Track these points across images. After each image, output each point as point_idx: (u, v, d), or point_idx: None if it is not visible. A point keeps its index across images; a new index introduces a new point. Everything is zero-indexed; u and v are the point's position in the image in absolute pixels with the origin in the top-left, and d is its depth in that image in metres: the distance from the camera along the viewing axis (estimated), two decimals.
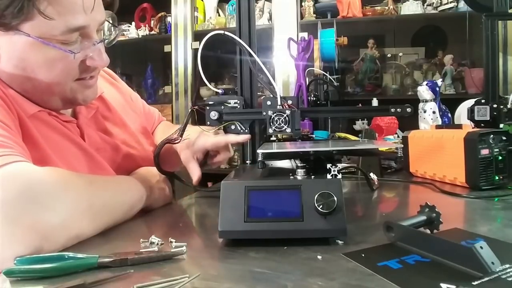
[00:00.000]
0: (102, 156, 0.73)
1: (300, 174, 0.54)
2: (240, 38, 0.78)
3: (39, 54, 0.60)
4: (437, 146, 0.92)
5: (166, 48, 2.46)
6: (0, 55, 0.60)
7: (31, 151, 0.58)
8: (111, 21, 0.70)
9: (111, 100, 0.83)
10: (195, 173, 0.76)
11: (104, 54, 0.67)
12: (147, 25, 2.60)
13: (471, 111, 0.99)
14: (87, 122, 0.75)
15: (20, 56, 0.60)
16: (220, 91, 0.77)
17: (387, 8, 2.23)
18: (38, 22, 0.57)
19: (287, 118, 0.70)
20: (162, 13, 2.54)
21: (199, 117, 0.76)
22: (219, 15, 2.54)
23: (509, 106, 0.96)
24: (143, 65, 2.69)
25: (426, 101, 1.35)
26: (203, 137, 0.77)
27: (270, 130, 0.71)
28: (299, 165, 0.55)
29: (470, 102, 1.05)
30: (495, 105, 0.96)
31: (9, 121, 0.57)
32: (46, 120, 0.66)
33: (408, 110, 0.72)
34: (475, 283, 0.36)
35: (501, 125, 0.94)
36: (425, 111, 1.35)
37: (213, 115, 0.74)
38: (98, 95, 0.80)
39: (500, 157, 0.81)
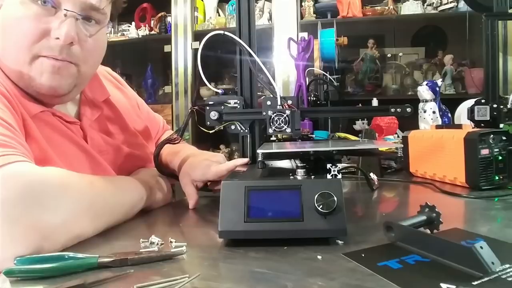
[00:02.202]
0: (105, 158, 0.73)
1: (300, 174, 0.54)
2: (240, 38, 0.78)
3: (15, 11, 0.62)
4: (437, 146, 0.92)
5: (166, 48, 2.46)
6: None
7: (33, 152, 0.59)
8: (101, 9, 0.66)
9: (117, 104, 0.84)
10: (193, 197, 0.75)
11: (67, 30, 0.62)
12: (147, 25, 2.60)
13: (471, 111, 0.99)
14: (91, 124, 0.75)
15: (5, 13, 0.63)
16: (220, 91, 0.77)
17: (387, 8, 2.23)
18: None
19: (287, 118, 0.70)
20: (162, 13, 2.54)
21: (199, 117, 0.76)
22: (219, 15, 2.54)
23: (509, 106, 0.96)
24: (143, 65, 2.69)
25: (426, 101, 1.35)
26: (204, 167, 0.75)
27: (270, 130, 0.71)
28: (299, 165, 0.55)
29: (470, 102, 1.05)
30: (495, 105, 0.96)
31: (13, 121, 0.57)
32: (49, 121, 0.66)
33: (408, 110, 0.72)
34: (475, 283, 0.36)
35: (501, 125, 0.94)
36: (425, 111, 1.35)
37: (213, 115, 0.74)
38: (105, 99, 0.80)
39: (500, 157, 0.81)
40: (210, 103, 0.75)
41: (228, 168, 0.73)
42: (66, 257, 0.43)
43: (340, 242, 0.49)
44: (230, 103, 0.75)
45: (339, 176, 0.52)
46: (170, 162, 0.83)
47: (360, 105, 1.71)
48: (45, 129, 0.64)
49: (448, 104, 1.43)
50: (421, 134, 1.01)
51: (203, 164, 0.76)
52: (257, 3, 2.37)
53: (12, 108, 0.59)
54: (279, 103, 0.72)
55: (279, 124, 0.70)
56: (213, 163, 0.76)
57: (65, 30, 0.62)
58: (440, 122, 1.33)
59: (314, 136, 1.11)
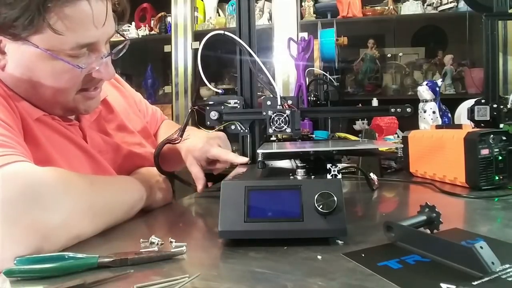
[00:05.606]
0: (104, 157, 0.73)
1: (300, 174, 0.54)
2: (240, 38, 0.78)
3: (46, 66, 0.60)
4: (437, 146, 0.92)
5: (166, 48, 2.46)
6: (7, 61, 0.61)
7: (34, 152, 0.59)
8: (120, 33, 0.71)
9: (114, 104, 0.84)
10: (200, 181, 0.78)
11: (110, 68, 0.68)
12: (147, 25, 2.60)
13: (471, 111, 0.99)
14: (90, 125, 0.75)
15: (27, 65, 0.60)
16: (220, 91, 0.77)
17: (387, 8, 2.23)
18: (48, 35, 0.57)
19: (287, 118, 0.70)
20: (162, 13, 2.54)
21: (199, 117, 0.76)
22: (219, 15, 2.54)
23: (509, 106, 0.96)
24: (143, 65, 2.69)
25: (426, 101, 1.35)
26: (206, 145, 0.78)
27: (270, 130, 0.71)
28: (299, 165, 0.55)
29: (470, 102, 1.05)
30: (495, 105, 0.96)
31: (11, 121, 0.57)
32: (50, 123, 0.67)
33: (408, 110, 0.72)
34: (475, 283, 0.36)
35: (501, 125, 0.94)
36: (425, 111, 1.35)
37: (213, 115, 0.74)
38: (102, 99, 0.80)
39: (500, 157, 0.81)
40: (210, 103, 0.75)
41: (227, 158, 0.75)
42: (66, 257, 0.43)
43: (340, 242, 0.49)
44: (230, 103, 0.75)
45: (339, 176, 0.52)
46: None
47: (360, 105, 1.72)
48: (45, 130, 0.65)
49: (448, 104, 1.43)
50: (421, 134, 1.01)
51: (203, 141, 0.78)
52: (257, 3, 2.37)
53: (11, 109, 0.59)
54: (279, 103, 0.72)
55: (279, 124, 0.70)
56: (214, 145, 0.78)
57: (110, 70, 0.68)
58: (440, 122, 1.33)
59: (314, 136, 1.12)
